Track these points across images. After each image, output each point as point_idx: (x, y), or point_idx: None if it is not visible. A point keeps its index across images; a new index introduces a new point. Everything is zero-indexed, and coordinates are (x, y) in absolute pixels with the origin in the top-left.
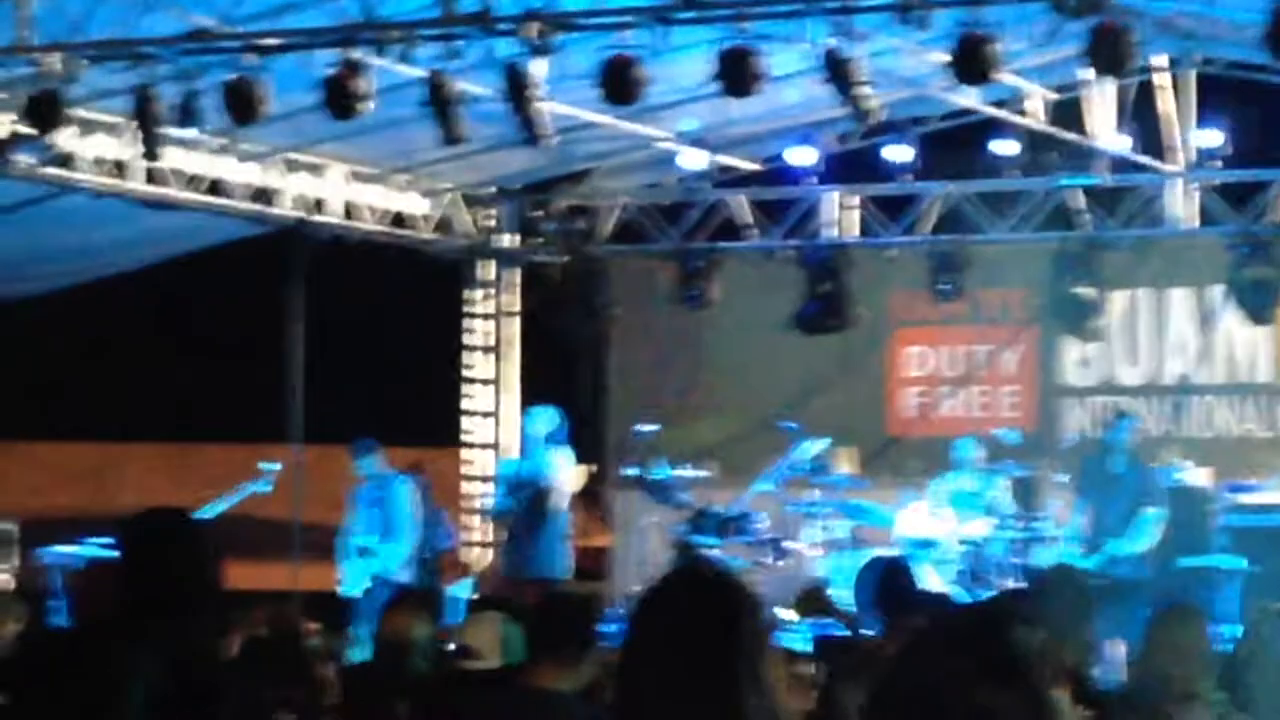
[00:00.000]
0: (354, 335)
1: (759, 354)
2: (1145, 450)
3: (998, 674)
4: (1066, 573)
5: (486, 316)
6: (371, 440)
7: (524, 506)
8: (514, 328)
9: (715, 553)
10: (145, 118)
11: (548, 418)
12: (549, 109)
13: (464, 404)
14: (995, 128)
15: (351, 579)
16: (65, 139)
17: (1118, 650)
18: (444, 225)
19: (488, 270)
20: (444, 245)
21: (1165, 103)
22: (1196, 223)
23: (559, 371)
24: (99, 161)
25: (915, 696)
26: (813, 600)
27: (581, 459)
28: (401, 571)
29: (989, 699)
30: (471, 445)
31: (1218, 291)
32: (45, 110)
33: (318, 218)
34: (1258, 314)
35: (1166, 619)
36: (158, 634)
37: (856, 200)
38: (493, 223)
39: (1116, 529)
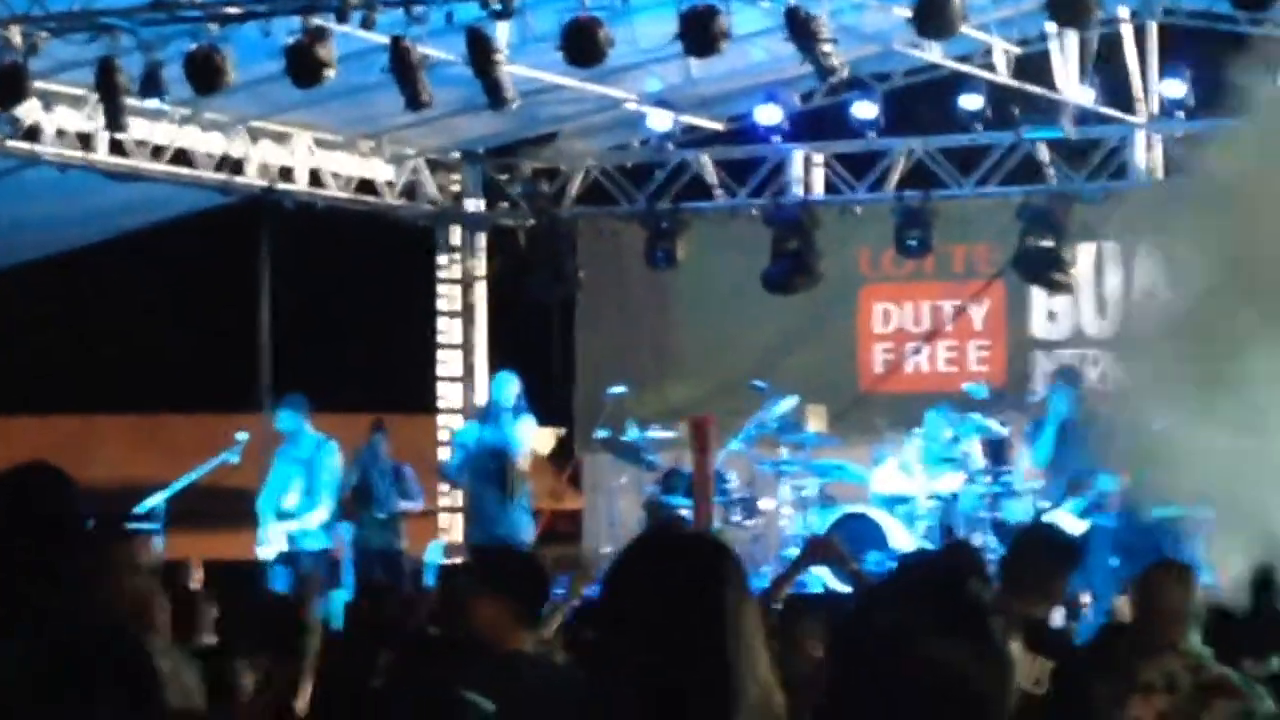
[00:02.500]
0: (323, 303)
1: (727, 314)
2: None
3: (951, 626)
4: (1039, 529)
5: (454, 281)
6: (298, 398)
7: (487, 475)
8: (481, 292)
9: (686, 513)
10: (108, 89)
11: (508, 384)
12: (512, 72)
13: (437, 369)
14: (959, 83)
15: (268, 540)
16: (29, 112)
17: (1119, 602)
18: (410, 191)
19: (455, 235)
20: (411, 211)
21: (1128, 54)
22: (1161, 174)
23: (528, 335)
24: (63, 134)
25: (870, 648)
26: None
27: (551, 422)
28: (319, 535)
29: (942, 651)
30: (444, 411)
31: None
32: (7, 84)
33: (283, 186)
34: None
35: (1151, 575)
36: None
37: (822, 158)
38: (458, 187)
39: (1093, 472)
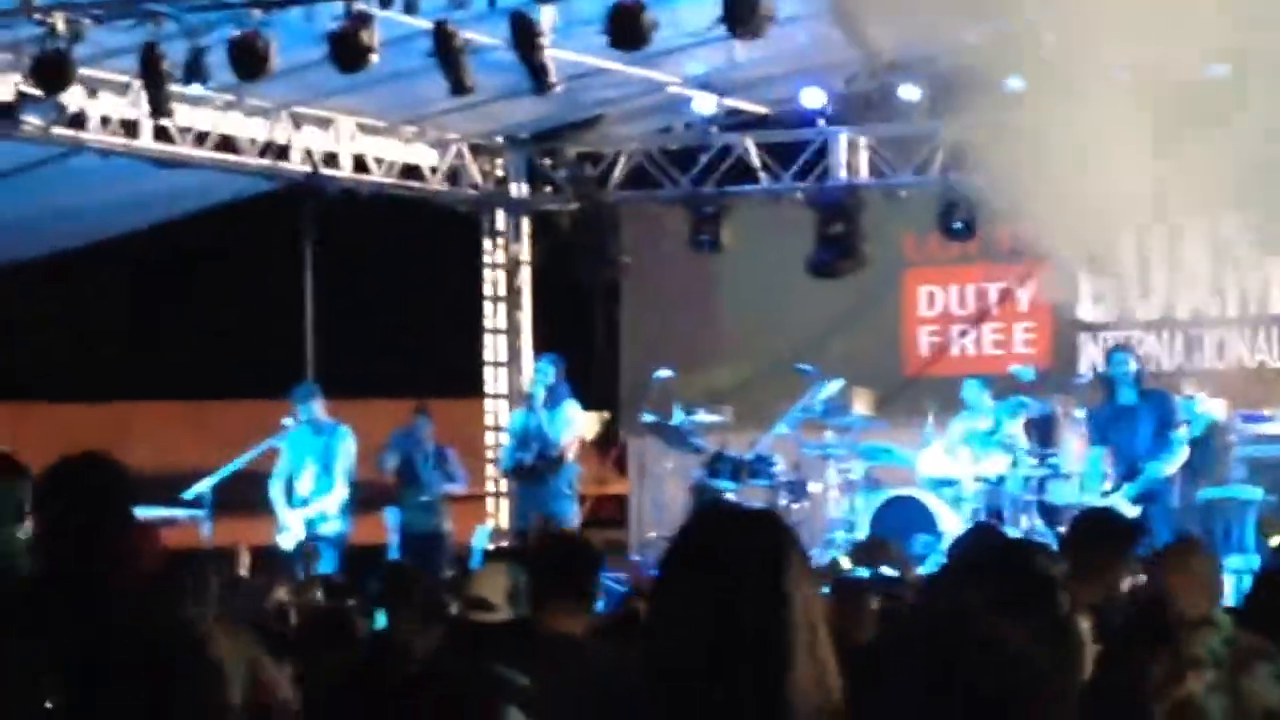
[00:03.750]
0: (368, 288)
1: (772, 297)
2: (1156, 380)
3: (1019, 604)
4: (1098, 514)
5: (499, 266)
6: (311, 385)
7: (532, 461)
8: (526, 277)
9: (732, 497)
10: (152, 76)
11: (549, 370)
12: (556, 56)
13: (483, 354)
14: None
15: (288, 527)
16: (73, 99)
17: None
18: (454, 176)
19: (500, 220)
20: (454, 196)
21: None
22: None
23: (573, 319)
24: (107, 121)
25: (938, 626)
26: (875, 550)
27: (596, 407)
28: (336, 520)
29: (1010, 629)
30: (490, 395)
31: (1230, 223)
32: (52, 71)
33: (327, 171)
34: None
35: (1175, 551)
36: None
37: (866, 141)
38: (502, 172)
39: (1145, 457)
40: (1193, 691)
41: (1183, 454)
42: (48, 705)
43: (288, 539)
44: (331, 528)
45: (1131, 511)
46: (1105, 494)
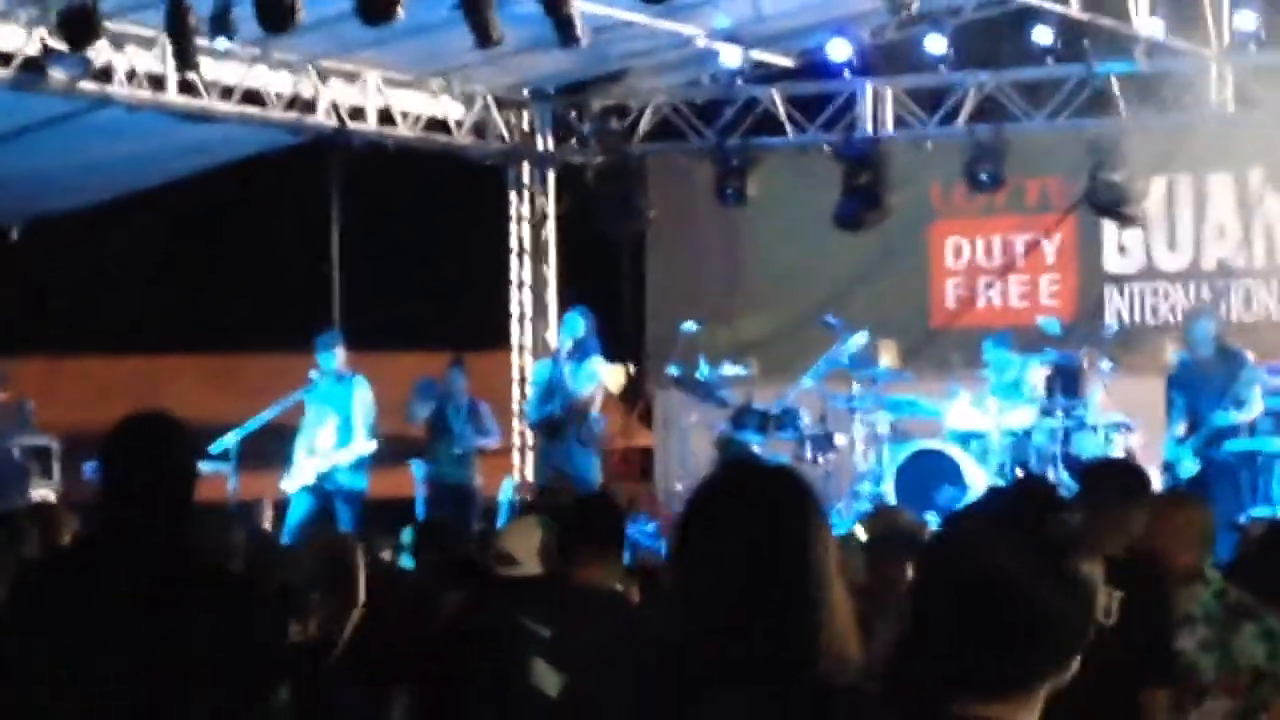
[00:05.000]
0: (394, 241)
1: (798, 250)
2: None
3: (1029, 551)
4: (1112, 464)
5: (526, 220)
6: (334, 334)
7: (557, 415)
8: (552, 230)
9: (758, 450)
10: (179, 29)
11: (578, 323)
12: (582, 9)
13: (510, 307)
14: (1030, 16)
15: (295, 476)
16: (99, 53)
17: None
18: (479, 129)
19: (526, 173)
20: (480, 149)
21: None
22: (1233, 107)
23: (599, 273)
24: (133, 75)
25: (948, 573)
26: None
27: (622, 359)
28: (353, 474)
29: (1018, 575)
30: (517, 348)
31: (1257, 175)
32: (78, 25)
33: (353, 125)
34: None
35: (1168, 504)
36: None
37: (892, 93)
38: (528, 126)
39: (1213, 408)
40: (1185, 649)
41: (1251, 410)
42: (124, 662)
43: (291, 483)
44: (347, 480)
45: (1193, 464)
46: (1176, 443)
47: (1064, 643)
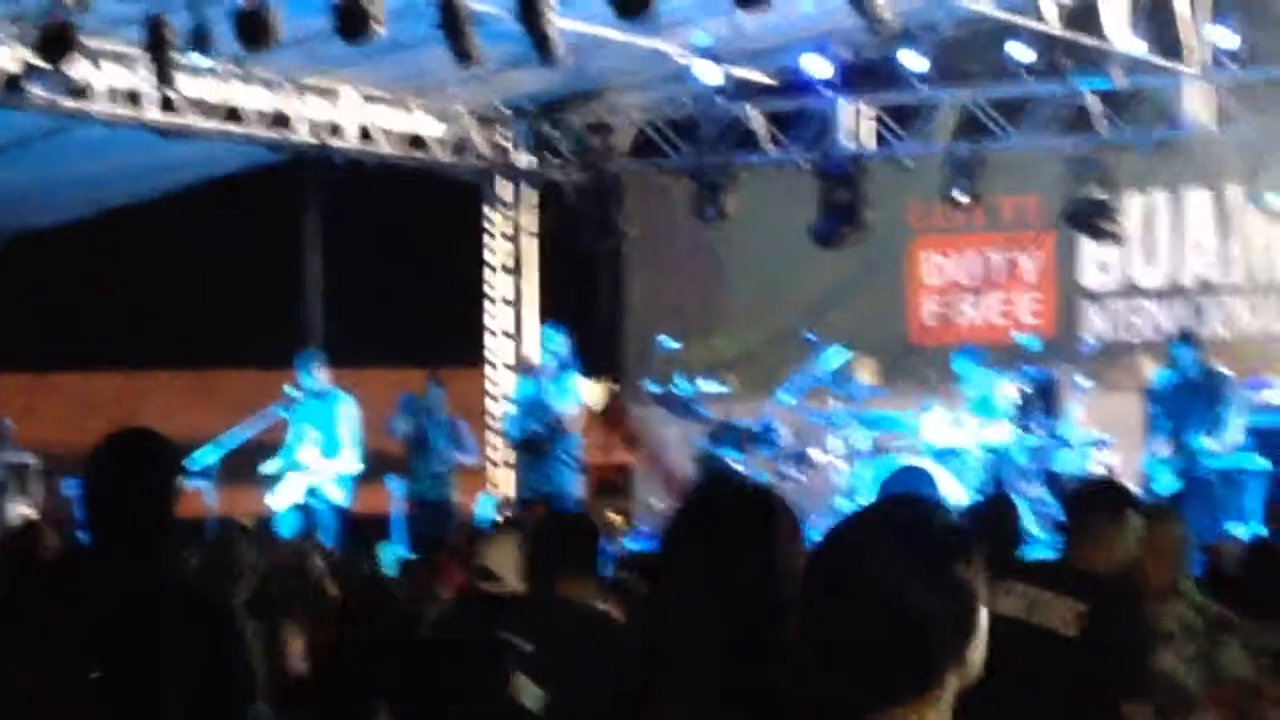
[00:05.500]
0: (373, 258)
1: (777, 266)
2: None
3: (911, 556)
4: (1097, 483)
5: (505, 236)
6: (314, 352)
7: (536, 431)
8: (532, 247)
9: (737, 466)
10: (157, 46)
11: (560, 341)
12: (561, 27)
13: (487, 323)
14: (1009, 32)
15: (281, 494)
16: (78, 70)
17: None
18: (459, 146)
19: (505, 190)
20: (460, 166)
21: (1179, 2)
22: (1213, 123)
23: (578, 289)
24: (112, 91)
25: (827, 568)
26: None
27: (602, 376)
28: (338, 489)
29: (901, 580)
30: (494, 365)
31: (1235, 192)
32: (57, 41)
33: (333, 142)
34: None
35: (1149, 520)
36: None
37: (871, 110)
38: (507, 143)
39: (1197, 429)
40: (1167, 666)
41: (1229, 436)
42: (93, 676)
43: (279, 500)
44: (335, 496)
45: (1173, 482)
46: (1158, 461)
47: (944, 643)
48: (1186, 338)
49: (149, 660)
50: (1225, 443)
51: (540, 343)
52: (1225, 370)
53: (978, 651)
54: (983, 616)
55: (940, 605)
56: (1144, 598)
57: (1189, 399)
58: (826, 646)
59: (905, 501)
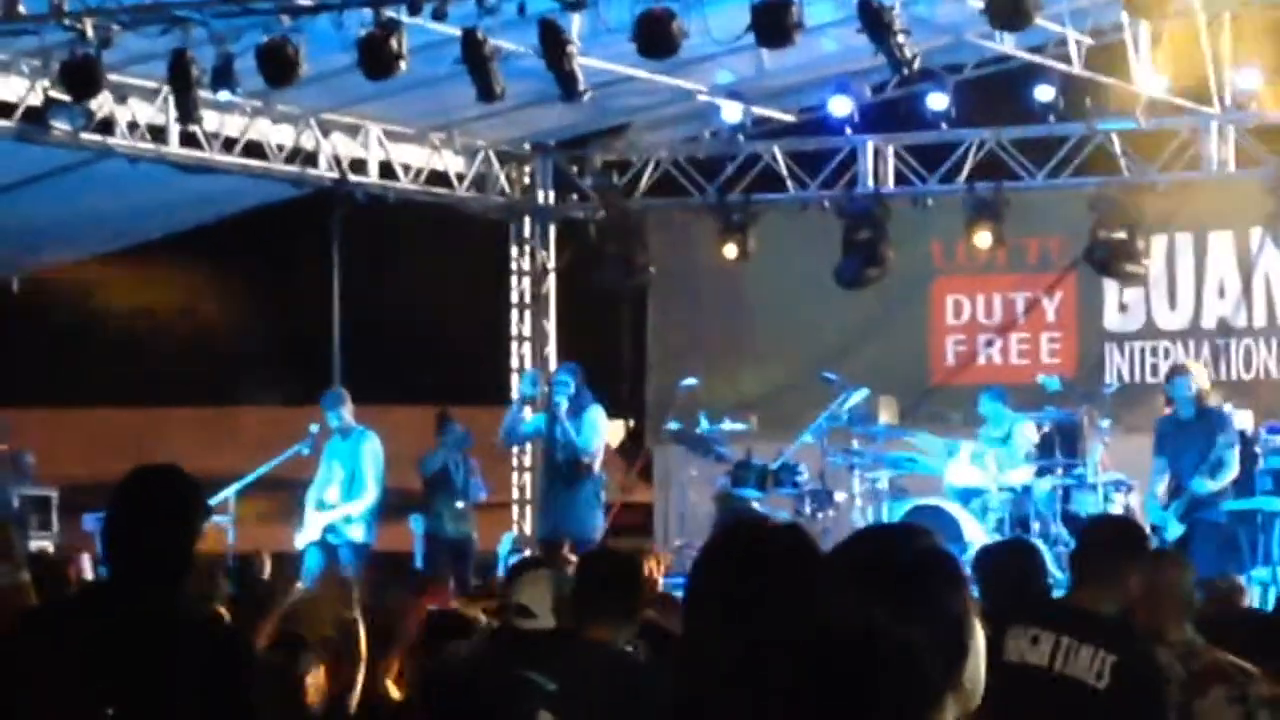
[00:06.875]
0: (395, 295)
1: (798, 306)
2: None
3: (895, 594)
4: (1107, 521)
5: (526, 274)
6: (339, 392)
7: (554, 468)
8: (553, 284)
9: (757, 505)
10: (181, 82)
11: (571, 380)
12: (584, 64)
13: (511, 361)
14: (1032, 73)
15: (306, 531)
16: (101, 105)
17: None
18: (481, 183)
19: (526, 227)
20: (481, 203)
21: (1202, 45)
22: (1234, 165)
23: (599, 328)
24: (135, 127)
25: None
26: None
27: (622, 414)
28: (358, 527)
29: (890, 618)
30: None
31: (1257, 234)
32: (81, 76)
33: (355, 178)
34: None
35: (1154, 564)
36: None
37: (893, 149)
38: (529, 179)
39: (1191, 474)
40: None
41: (1230, 473)
42: (109, 712)
43: (302, 539)
44: (355, 534)
45: (1178, 528)
46: (1161, 509)
47: (930, 678)
48: (1178, 372)
49: (163, 697)
50: (1226, 480)
51: (553, 387)
52: (1221, 406)
53: (972, 675)
54: (976, 641)
55: (916, 631)
56: (1154, 642)
57: (1185, 439)
58: (809, 677)
59: (875, 534)
